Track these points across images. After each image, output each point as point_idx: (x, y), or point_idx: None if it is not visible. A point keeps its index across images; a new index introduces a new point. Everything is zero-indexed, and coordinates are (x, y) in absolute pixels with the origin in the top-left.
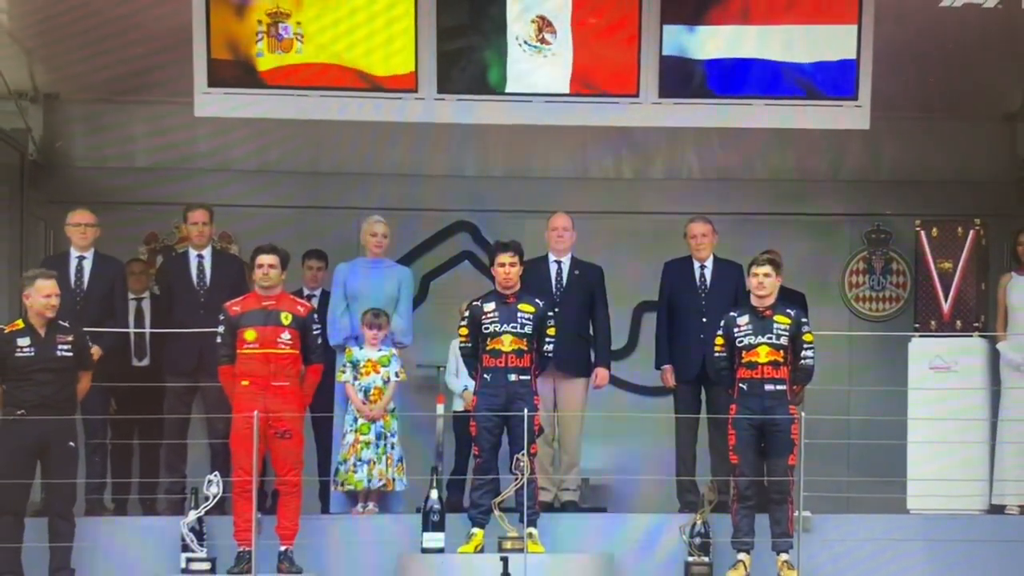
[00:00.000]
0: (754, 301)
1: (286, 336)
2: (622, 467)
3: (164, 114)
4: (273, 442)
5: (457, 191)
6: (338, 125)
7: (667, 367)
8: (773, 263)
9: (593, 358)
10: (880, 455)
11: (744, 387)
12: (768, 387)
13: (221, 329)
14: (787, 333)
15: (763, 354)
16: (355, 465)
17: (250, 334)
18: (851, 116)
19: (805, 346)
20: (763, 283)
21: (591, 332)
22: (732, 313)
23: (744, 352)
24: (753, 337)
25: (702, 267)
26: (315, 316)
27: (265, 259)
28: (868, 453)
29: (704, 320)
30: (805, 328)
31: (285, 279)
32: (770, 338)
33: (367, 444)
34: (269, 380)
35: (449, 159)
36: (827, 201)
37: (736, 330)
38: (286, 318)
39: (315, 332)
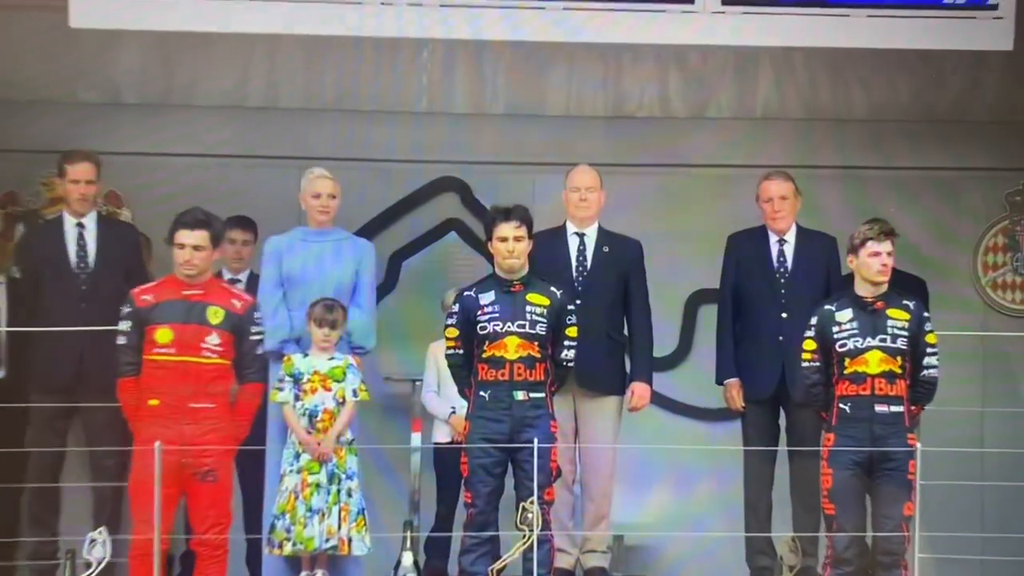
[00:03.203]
0: (861, 289)
1: (214, 340)
2: (668, 520)
3: (27, 25)
4: (192, 486)
5: (440, 135)
6: (271, 42)
7: (732, 381)
8: (894, 236)
9: (629, 369)
10: None
11: (847, 408)
12: (880, 408)
13: (124, 326)
14: (905, 333)
15: (874, 363)
16: (295, 519)
17: (163, 334)
18: (988, 32)
19: (928, 350)
20: (888, 265)
21: (626, 333)
22: (828, 306)
23: (848, 360)
24: (860, 339)
25: (781, 241)
26: (256, 315)
27: (187, 238)
28: (1008, 499)
29: (784, 315)
30: (928, 326)
31: (219, 260)
32: (883, 340)
33: (315, 488)
34: (187, 400)
35: (429, 91)
36: (953, 151)
37: (835, 329)
38: (215, 315)
39: (254, 336)
